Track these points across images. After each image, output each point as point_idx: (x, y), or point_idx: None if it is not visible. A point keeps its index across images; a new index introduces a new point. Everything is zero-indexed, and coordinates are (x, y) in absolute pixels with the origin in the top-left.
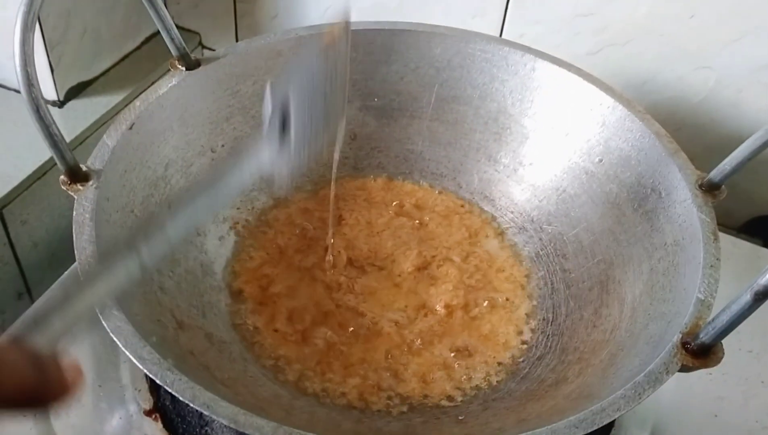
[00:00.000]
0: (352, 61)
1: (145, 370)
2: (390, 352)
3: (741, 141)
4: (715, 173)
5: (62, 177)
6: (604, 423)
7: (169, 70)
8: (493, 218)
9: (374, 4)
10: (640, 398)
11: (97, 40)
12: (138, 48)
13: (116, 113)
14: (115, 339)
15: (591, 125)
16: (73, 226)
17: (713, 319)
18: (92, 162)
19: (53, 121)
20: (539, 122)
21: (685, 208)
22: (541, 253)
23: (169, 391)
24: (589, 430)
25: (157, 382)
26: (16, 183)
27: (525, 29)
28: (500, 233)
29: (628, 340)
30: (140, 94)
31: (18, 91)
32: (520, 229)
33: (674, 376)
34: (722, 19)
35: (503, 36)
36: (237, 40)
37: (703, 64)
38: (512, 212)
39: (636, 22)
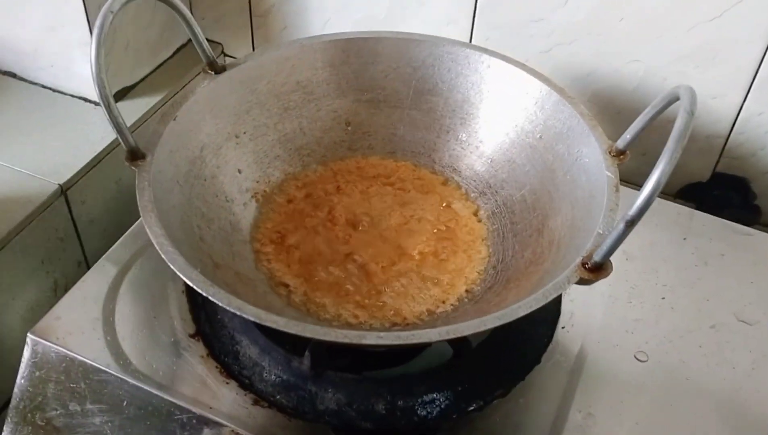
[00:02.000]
0: (346, 64)
1: (194, 286)
2: (376, 285)
3: (667, 120)
4: (620, 142)
5: (125, 154)
6: (520, 315)
7: (199, 73)
8: (460, 186)
9: (366, 15)
10: (546, 299)
11: (137, 51)
12: (170, 57)
13: (154, 112)
14: (171, 266)
15: (533, 109)
16: (137, 191)
17: (602, 244)
18: (147, 145)
19: (119, 113)
20: (494, 108)
21: (598, 168)
22: (496, 211)
23: (211, 299)
24: (509, 320)
25: (202, 293)
26: (76, 169)
27: (489, 33)
28: (465, 197)
29: (551, 267)
30: (175, 95)
31: (73, 96)
32: (481, 193)
33: (602, 305)
34: (646, 20)
35: (472, 39)
36: (253, 49)
37: (633, 58)
38: (474, 181)
39: (577, 25)
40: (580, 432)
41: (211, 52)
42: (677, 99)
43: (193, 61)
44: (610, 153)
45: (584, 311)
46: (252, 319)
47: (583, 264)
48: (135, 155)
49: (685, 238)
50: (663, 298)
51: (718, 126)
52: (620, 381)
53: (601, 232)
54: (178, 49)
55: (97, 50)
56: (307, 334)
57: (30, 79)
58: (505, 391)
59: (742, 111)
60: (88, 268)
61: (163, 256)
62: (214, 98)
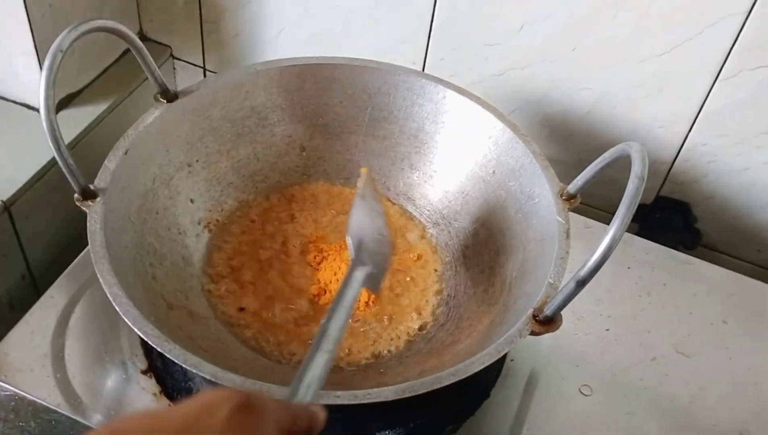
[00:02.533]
0: (301, 90)
1: (150, 342)
2: None
3: (613, 142)
4: (571, 186)
5: (76, 195)
6: (473, 372)
7: (146, 79)
8: (414, 216)
9: (322, 29)
10: (499, 354)
11: (82, 56)
12: (116, 61)
13: (100, 121)
14: (126, 320)
15: (487, 144)
16: (88, 235)
17: (553, 298)
18: (97, 182)
19: (69, 155)
20: (449, 139)
21: (549, 212)
22: (449, 242)
23: (167, 356)
24: (463, 377)
25: (158, 350)
26: (21, 184)
27: (444, 54)
28: (419, 227)
29: (503, 311)
30: (121, 103)
31: (16, 103)
32: (434, 223)
33: (549, 336)
34: (599, 50)
35: (427, 59)
36: (203, 54)
37: (585, 85)
38: (428, 210)
39: (532, 52)
40: None
41: (163, 81)
42: (627, 155)
43: (138, 66)
44: (561, 196)
45: (532, 342)
46: (209, 377)
47: (535, 316)
48: (86, 195)
49: (629, 268)
50: (607, 330)
51: (663, 153)
52: (566, 416)
53: (551, 281)
54: (125, 52)
55: (47, 92)
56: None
57: None
58: (456, 426)
59: (687, 140)
60: (35, 282)
61: (117, 308)
62: (166, 128)
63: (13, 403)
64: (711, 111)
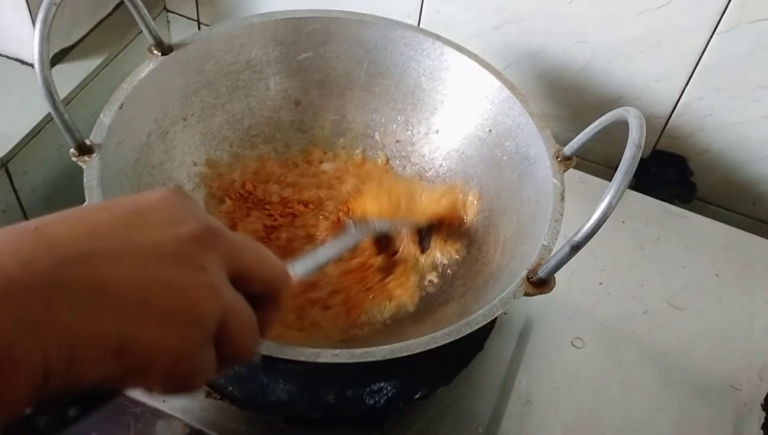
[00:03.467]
0: (297, 43)
1: None
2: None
3: (612, 100)
4: (567, 148)
5: (72, 150)
6: (468, 332)
7: (140, 32)
8: (408, 174)
9: None
10: (493, 315)
11: (75, 10)
12: (110, 14)
13: (95, 76)
14: None
15: (484, 103)
16: (85, 190)
17: (548, 261)
18: (93, 137)
19: (66, 110)
20: (446, 97)
21: (544, 173)
22: None
23: None
24: (458, 337)
25: None
26: (17, 140)
27: (440, 6)
28: (414, 184)
29: (497, 271)
30: (116, 55)
31: (9, 58)
32: (429, 182)
33: None
34: (595, 3)
35: (422, 12)
36: (197, 6)
37: (581, 39)
38: (423, 168)
39: (528, 4)
40: (518, 419)
41: (157, 33)
42: (624, 121)
43: (132, 19)
44: (556, 158)
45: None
46: None
47: (528, 278)
48: (82, 150)
49: (623, 222)
50: (600, 283)
51: (659, 107)
52: (557, 368)
53: (545, 243)
54: (118, 5)
55: (41, 45)
56: (268, 353)
57: None
58: (449, 379)
59: (683, 95)
60: None
61: None
62: (160, 81)
63: None
64: (708, 65)
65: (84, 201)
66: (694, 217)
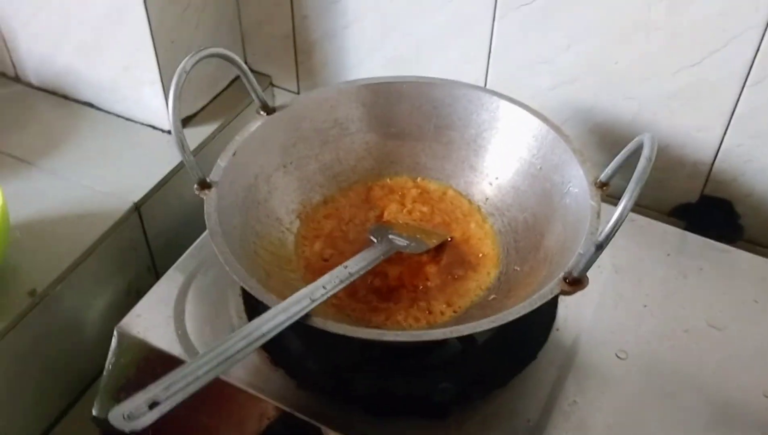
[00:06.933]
0: (376, 104)
1: (252, 292)
2: (402, 295)
3: (660, 149)
4: (603, 175)
5: (195, 186)
6: (509, 320)
7: (251, 103)
8: (476, 208)
9: (396, 55)
10: (532, 307)
11: (198, 84)
12: (225, 89)
13: (213, 138)
14: (235, 278)
15: (534, 144)
16: (205, 215)
17: (579, 262)
18: (212, 176)
19: (191, 153)
20: (503, 142)
21: (584, 197)
22: (502, 230)
23: (265, 302)
24: (500, 323)
25: (258, 298)
26: (147, 189)
27: (502, 72)
28: (480, 218)
29: (543, 279)
30: (231, 121)
31: (143, 124)
32: (491, 214)
33: (591, 310)
34: (637, 63)
35: (488, 77)
36: (298, 81)
37: (628, 95)
38: (485, 204)
39: (579, 67)
40: (565, 417)
41: (264, 97)
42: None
43: (244, 92)
44: (595, 184)
45: (576, 315)
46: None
47: (564, 278)
48: (203, 185)
49: (668, 255)
50: (645, 306)
51: (703, 154)
52: (603, 375)
53: (581, 252)
54: (232, 82)
55: (174, 104)
56: (336, 331)
57: (106, 109)
58: (505, 381)
59: (723, 143)
60: (157, 273)
61: (228, 270)
62: (265, 135)
63: (144, 353)
64: (742, 114)
65: (200, 234)
66: (736, 251)
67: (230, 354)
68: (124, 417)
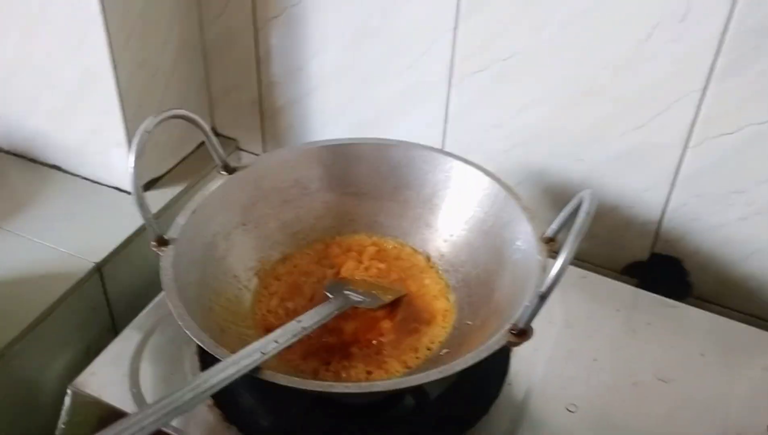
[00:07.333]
0: (335, 164)
1: (204, 346)
2: (354, 348)
3: (609, 209)
4: (549, 231)
5: (152, 242)
6: (457, 371)
7: (213, 170)
8: (431, 265)
9: (358, 120)
10: (479, 358)
11: (164, 148)
12: (191, 153)
13: (178, 200)
14: (187, 332)
15: (487, 202)
16: (160, 271)
17: (524, 313)
18: (170, 233)
19: (150, 211)
20: (457, 200)
21: (532, 252)
22: (456, 285)
23: (217, 356)
24: (448, 374)
25: (210, 352)
26: (110, 250)
27: (459, 135)
28: (437, 272)
29: (493, 332)
30: (196, 184)
31: (109, 187)
32: (445, 270)
33: (543, 364)
34: (586, 127)
35: (445, 139)
36: (264, 145)
37: (578, 157)
38: (440, 261)
39: (530, 131)
40: None
41: (224, 157)
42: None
43: (209, 156)
44: (542, 240)
45: (528, 369)
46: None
47: (511, 330)
48: (160, 242)
49: (618, 310)
50: (594, 360)
51: (651, 213)
52: (554, 428)
53: (527, 304)
54: (198, 146)
55: (135, 162)
56: (286, 383)
57: (73, 172)
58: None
59: (669, 202)
60: (116, 334)
61: (180, 324)
62: (225, 194)
63: (98, 411)
64: (686, 175)
65: (158, 289)
66: (684, 307)
67: (178, 404)
68: None
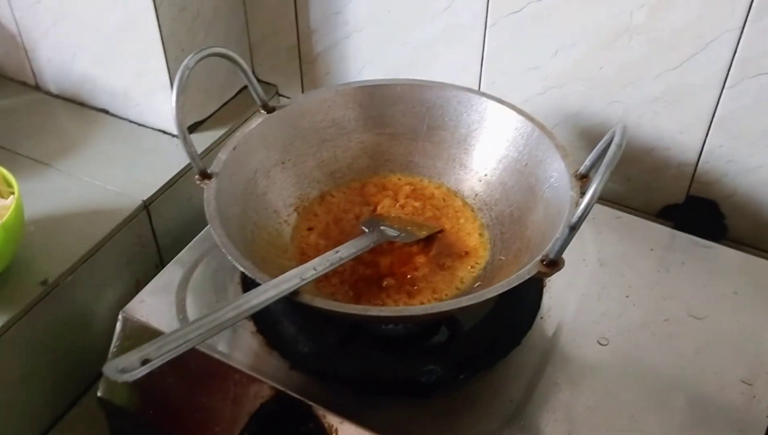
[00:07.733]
0: (371, 105)
1: (245, 271)
2: (390, 285)
3: (645, 152)
4: (582, 168)
5: (196, 176)
6: (487, 298)
7: (255, 113)
8: (466, 203)
9: (394, 63)
10: (509, 286)
11: (207, 92)
12: (233, 97)
13: (220, 142)
14: (229, 257)
15: (520, 141)
16: (204, 203)
17: (554, 244)
18: (212, 168)
19: (192, 144)
20: (491, 140)
21: (565, 189)
22: (490, 223)
23: (257, 280)
24: (478, 301)
25: (250, 276)
26: (156, 188)
27: (495, 78)
28: (471, 211)
29: (524, 265)
30: (238, 127)
31: (154, 129)
32: (479, 209)
33: (575, 300)
34: (621, 69)
35: (481, 83)
36: (302, 89)
37: (614, 99)
38: (474, 199)
39: (566, 73)
40: (546, 398)
41: (264, 96)
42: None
43: (251, 100)
44: (575, 176)
45: (560, 305)
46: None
47: (542, 261)
48: (204, 176)
49: (651, 249)
50: (627, 296)
51: (687, 156)
52: (583, 360)
53: (559, 236)
54: (240, 91)
55: (177, 97)
56: (322, 306)
57: (120, 115)
58: (489, 365)
59: (705, 144)
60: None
61: (224, 250)
62: (265, 133)
63: (146, 336)
64: (722, 116)
65: (204, 226)
66: (718, 247)
67: (220, 322)
68: (117, 370)
